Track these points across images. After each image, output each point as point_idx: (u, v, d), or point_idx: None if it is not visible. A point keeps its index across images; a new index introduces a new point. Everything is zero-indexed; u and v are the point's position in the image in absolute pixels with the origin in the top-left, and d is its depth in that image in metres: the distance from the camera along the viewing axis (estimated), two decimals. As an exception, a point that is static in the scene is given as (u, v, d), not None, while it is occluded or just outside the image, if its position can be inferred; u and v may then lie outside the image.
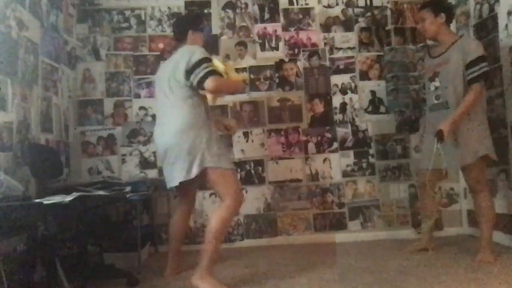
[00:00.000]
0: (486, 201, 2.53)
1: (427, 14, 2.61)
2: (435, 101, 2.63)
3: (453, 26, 3.42)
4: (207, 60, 2.20)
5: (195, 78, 2.17)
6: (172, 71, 2.25)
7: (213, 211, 2.28)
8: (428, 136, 2.71)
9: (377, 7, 3.56)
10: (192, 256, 3.00)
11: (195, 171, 2.16)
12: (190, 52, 2.23)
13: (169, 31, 3.48)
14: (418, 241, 2.89)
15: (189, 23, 2.48)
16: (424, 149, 2.78)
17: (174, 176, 2.21)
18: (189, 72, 2.18)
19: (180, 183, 2.20)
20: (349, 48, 3.50)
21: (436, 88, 2.62)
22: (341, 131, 3.45)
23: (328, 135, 3.45)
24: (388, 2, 3.56)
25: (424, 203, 2.82)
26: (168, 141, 2.22)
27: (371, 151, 3.43)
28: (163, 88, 2.30)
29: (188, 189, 2.47)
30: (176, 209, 2.65)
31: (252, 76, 3.46)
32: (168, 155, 2.22)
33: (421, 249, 2.81)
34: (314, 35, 3.54)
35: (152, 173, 3.34)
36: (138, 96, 3.42)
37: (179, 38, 2.45)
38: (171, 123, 2.22)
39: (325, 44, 3.53)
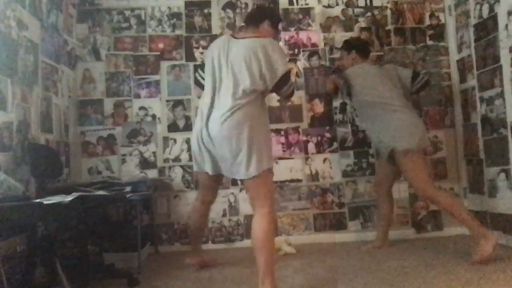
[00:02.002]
0: (445, 198, 2.62)
1: (342, 53, 3.17)
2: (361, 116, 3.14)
3: (453, 26, 3.45)
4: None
5: (285, 90, 2.19)
6: (257, 62, 2.05)
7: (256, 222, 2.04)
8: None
9: (377, 7, 3.57)
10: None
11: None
12: (280, 54, 2.12)
13: (169, 31, 3.49)
14: (373, 241, 3.06)
15: (271, 16, 2.36)
16: None
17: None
18: (277, 81, 2.10)
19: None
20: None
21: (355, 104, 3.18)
22: (341, 131, 3.45)
23: (328, 135, 3.45)
24: (388, 2, 3.57)
25: (378, 205, 3.09)
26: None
27: (371, 151, 3.43)
28: (233, 69, 2.07)
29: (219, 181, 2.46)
30: (198, 203, 2.53)
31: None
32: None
33: (375, 247, 2.98)
34: (314, 35, 3.54)
35: (152, 173, 3.34)
36: (138, 96, 3.42)
37: (251, 23, 2.30)
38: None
39: (325, 44, 3.53)
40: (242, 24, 2.45)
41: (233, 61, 2.09)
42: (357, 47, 3.06)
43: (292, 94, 2.29)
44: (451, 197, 2.73)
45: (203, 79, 2.33)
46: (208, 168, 2.19)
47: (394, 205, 3.09)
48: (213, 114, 2.07)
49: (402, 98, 2.82)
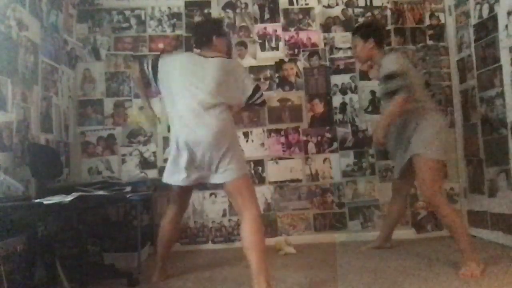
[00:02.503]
0: (448, 211, 2.37)
1: (357, 40, 2.69)
2: None
3: (453, 26, 3.45)
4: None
5: (256, 98, 2.30)
6: (225, 84, 2.20)
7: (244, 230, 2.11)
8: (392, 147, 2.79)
9: (377, 7, 3.56)
10: (191, 257, 3.02)
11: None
12: (246, 74, 2.42)
13: (169, 31, 3.49)
14: (374, 241, 2.99)
15: (214, 28, 2.39)
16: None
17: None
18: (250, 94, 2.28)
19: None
20: (349, 48, 3.49)
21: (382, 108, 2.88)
22: (341, 131, 3.45)
23: (328, 135, 3.45)
24: (388, 2, 3.56)
25: (390, 206, 2.97)
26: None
27: (371, 151, 3.43)
28: (199, 87, 2.16)
29: (188, 190, 2.42)
30: (168, 212, 2.46)
31: (252, 76, 3.45)
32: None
33: (376, 248, 2.93)
34: (314, 35, 3.54)
35: (152, 173, 3.34)
36: (138, 96, 3.41)
37: (203, 43, 2.35)
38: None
39: (325, 44, 3.53)
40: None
41: (208, 76, 2.18)
42: (376, 34, 2.65)
43: (264, 103, 2.39)
44: (455, 212, 2.45)
45: (154, 78, 2.31)
46: (181, 178, 2.17)
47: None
48: (196, 122, 2.11)
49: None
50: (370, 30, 2.67)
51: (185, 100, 2.15)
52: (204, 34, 2.36)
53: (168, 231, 2.43)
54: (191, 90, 2.15)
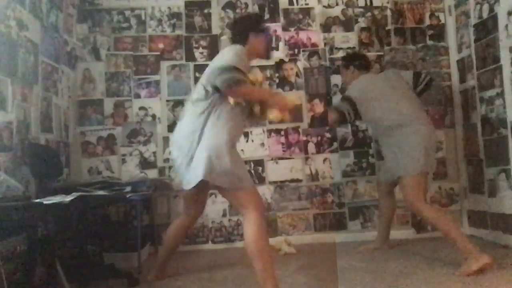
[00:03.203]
0: (431, 213, 2.46)
1: (341, 69, 3.07)
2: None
3: (453, 26, 3.45)
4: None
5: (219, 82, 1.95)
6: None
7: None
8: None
9: (377, 7, 3.57)
10: (191, 257, 3.02)
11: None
12: (227, 54, 2.02)
13: (169, 31, 3.49)
14: (373, 241, 3.00)
15: (251, 24, 2.20)
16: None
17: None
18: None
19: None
20: (349, 48, 3.49)
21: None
22: (341, 131, 3.45)
23: (328, 135, 3.45)
24: (388, 2, 3.56)
25: (380, 206, 3.01)
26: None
27: (371, 151, 3.43)
28: None
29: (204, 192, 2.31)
30: (183, 215, 2.40)
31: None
32: None
33: (374, 249, 2.92)
34: (314, 35, 3.54)
35: (152, 173, 3.34)
36: (138, 96, 3.42)
37: (237, 41, 2.16)
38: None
39: (325, 44, 3.53)
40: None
41: None
42: (355, 61, 2.94)
43: (229, 86, 1.92)
44: (440, 212, 2.55)
45: None
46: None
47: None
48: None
49: (416, 107, 2.65)
50: (351, 59, 2.99)
51: None
52: (240, 31, 2.18)
53: (175, 236, 2.42)
54: None
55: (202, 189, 2.12)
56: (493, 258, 2.23)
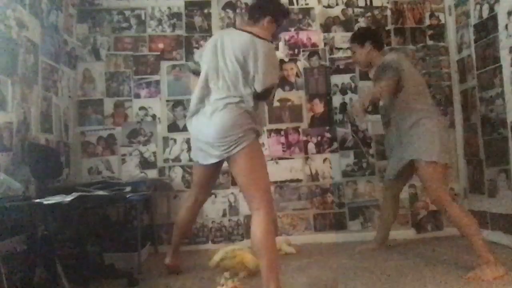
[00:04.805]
0: (455, 211, 2.31)
1: (355, 47, 2.79)
2: (385, 119, 2.78)
3: (453, 26, 3.45)
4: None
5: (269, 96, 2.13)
6: (243, 59, 2.01)
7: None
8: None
9: (377, 7, 3.57)
10: (191, 257, 3.01)
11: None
12: (271, 65, 2.06)
13: (169, 31, 3.49)
14: (372, 242, 2.98)
15: (274, 11, 2.19)
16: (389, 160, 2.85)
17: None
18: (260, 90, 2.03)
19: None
20: (349, 48, 3.48)
21: (381, 107, 2.82)
22: (341, 131, 3.45)
23: (328, 135, 3.45)
24: (388, 2, 3.57)
25: (383, 207, 2.97)
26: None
27: (371, 151, 3.43)
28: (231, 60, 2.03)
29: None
30: (191, 201, 2.44)
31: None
32: None
33: (373, 249, 2.90)
34: (314, 35, 3.54)
35: (152, 173, 3.34)
36: (138, 96, 3.42)
37: (252, 15, 2.19)
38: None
39: (325, 44, 3.53)
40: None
41: (225, 53, 2.05)
42: (372, 37, 2.73)
43: (271, 104, 2.32)
44: (465, 213, 2.35)
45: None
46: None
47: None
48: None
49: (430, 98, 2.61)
50: (366, 35, 2.77)
51: None
52: (260, 9, 2.19)
53: (185, 220, 2.51)
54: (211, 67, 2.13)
55: (218, 170, 2.33)
56: (508, 270, 2.15)
